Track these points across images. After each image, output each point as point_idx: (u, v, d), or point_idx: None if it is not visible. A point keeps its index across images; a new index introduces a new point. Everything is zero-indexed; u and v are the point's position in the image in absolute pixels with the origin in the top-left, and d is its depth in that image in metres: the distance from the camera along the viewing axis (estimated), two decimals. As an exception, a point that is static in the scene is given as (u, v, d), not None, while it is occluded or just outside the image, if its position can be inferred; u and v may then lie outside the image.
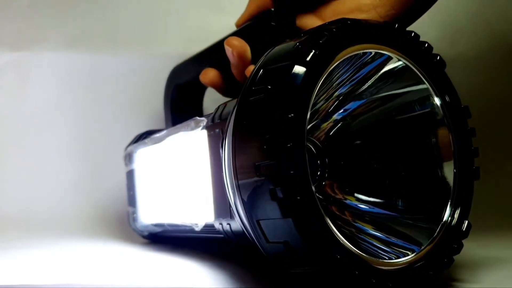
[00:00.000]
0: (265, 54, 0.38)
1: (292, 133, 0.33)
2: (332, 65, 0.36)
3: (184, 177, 0.50)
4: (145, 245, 0.62)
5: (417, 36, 0.41)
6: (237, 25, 0.52)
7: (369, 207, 0.39)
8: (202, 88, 0.65)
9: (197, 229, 0.48)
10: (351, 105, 0.39)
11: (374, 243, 0.37)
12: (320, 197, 0.36)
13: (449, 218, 0.41)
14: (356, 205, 0.38)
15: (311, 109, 0.37)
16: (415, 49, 0.40)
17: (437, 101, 0.42)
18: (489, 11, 0.74)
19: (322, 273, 0.34)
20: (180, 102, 0.66)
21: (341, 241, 0.34)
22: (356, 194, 0.38)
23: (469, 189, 0.42)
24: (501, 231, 0.66)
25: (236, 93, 0.53)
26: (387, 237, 0.38)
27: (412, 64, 0.40)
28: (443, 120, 0.42)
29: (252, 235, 0.36)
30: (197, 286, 0.42)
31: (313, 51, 0.34)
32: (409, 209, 0.40)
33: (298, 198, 0.32)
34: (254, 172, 0.34)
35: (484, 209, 0.65)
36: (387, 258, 0.37)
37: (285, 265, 0.36)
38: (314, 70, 0.34)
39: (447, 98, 0.42)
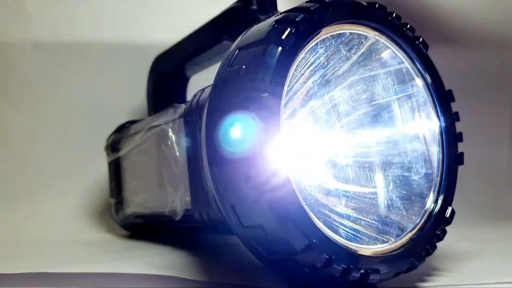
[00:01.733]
0: (242, 35, 0.37)
1: (267, 113, 0.32)
2: (309, 45, 0.35)
3: (162, 166, 0.49)
4: (125, 237, 0.61)
5: (398, 17, 0.40)
6: None
7: (351, 193, 0.37)
8: (185, 77, 0.64)
9: (176, 218, 0.47)
10: (330, 89, 0.37)
11: (356, 228, 0.36)
12: (298, 180, 0.34)
13: (433, 205, 0.40)
14: (338, 190, 0.37)
15: (289, 92, 0.36)
16: (395, 29, 0.39)
17: (419, 82, 0.41)
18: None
19: (298, 259, 0.33)
20: (163, 91, 0.65)
21: (317, 225, 0.33)
22: (338, 179, 0.37)
23: (453, 175, 0.41)
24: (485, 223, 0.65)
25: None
26: (368, 223, 0.37)
27: (391, 45, 0.39)
28: (426, 103, 0.41)
29: (228, 221, 0.35)
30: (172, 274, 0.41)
31: (289, 29, 0.33)
32: (393, 195, 0.39)
33: (271, 180, 0.31)
34: (228, 156, 0.33)
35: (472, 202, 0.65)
36: (367, 244, 0.36)
37: (261, 252, 0.35)
38: (289, 49, 0.33)
39: (428, 79, 0.41)
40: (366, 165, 0.38)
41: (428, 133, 0.41)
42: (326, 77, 0.37)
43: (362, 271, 0.34)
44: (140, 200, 0.55)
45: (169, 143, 0.47)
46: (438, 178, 0.41)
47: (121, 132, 0.60)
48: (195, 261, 0.46)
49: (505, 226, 0.63)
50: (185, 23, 0.60)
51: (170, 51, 0.62)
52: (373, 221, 0.37)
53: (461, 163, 0.42)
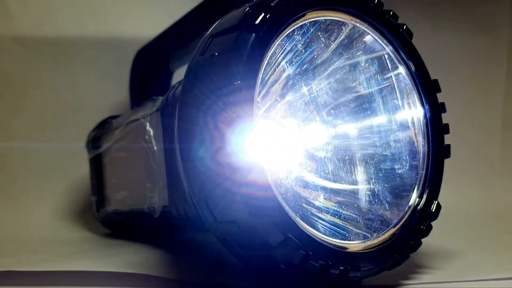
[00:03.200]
0: (216, 22, 0.35)
1: (240, 102, 0.30)
2: (285, 32, 0.33)
3: (140, 161, 0.47)
4: (106, 235, 0.60)
5: (380, 3, 0.38)
6: None
7: (330, 186, 0.36)
8: (169, 71, 0.62)
9: (155, 215, 0.45)
10: (309, 78, 0.36)
11: (335, 223, 0.34)
12: (274, 173, 0.33)
13: (418, 199, 0.38)
14: (316, 184, 0.35)
15: (266, 82, 0.34)
16: (377, 16, 0.38)
17: (402, 71, 0.39)
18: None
19: (274, 255, 0.31)
20: (146, 85, 0.63)
21: (294, 220, 0.31)
22: (317, 173, 0.36)
23: (439, 168, 0.40)
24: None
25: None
26: (349, 217, 0.35)
27: (373, 32, 0.38)
28: (411, 93, 0.40)
29: (202, 217, 0.33)
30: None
31: (263, 14, 0.32)
32: (375, 188, 0.37)
33: (244, 172, 0.30)
34: (200, 146, 0.31)
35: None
36: (348, 239, 0.34)
37: (237, 248, 0.33)
38: (264, 35, 0.32)
39: (412, 68, 0.39)
40: (347, 158, 0.37)
41: (413, 124, 0.40)
42: (305, 66, 0.35)
43: (341, 267, 0.32)
44: (120, 197, 0.53)
45: (147, 137, 0.45)
46: (424, 172, 0.39)
47: (102, 128, 0.59)
48: (172, 259, 0.44)
49: (494, 222, 0.61)
50: (167, 16, 0.58)
51: (151, 45, 0.61)
52: (354, 216, 0.36)
53: (448, 156, 0.40)
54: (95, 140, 0.59)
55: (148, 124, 0.46)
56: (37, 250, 0.52)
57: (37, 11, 0.69)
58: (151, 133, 0.45)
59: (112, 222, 0.58)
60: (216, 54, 0.32)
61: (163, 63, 0.61)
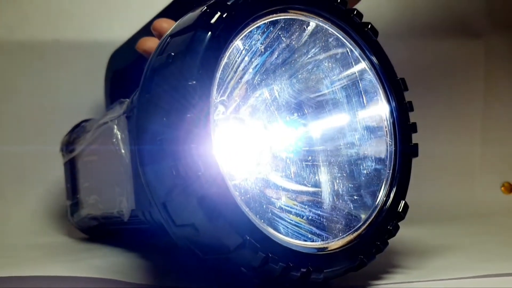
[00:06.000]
0: (176, 23, 0.35)
1: (194, 101, 0.29)
2: (244, 32, 0.33)
3: (110, 165, 0.47)
4: (80, 240, 0.59)
5: (344, 2, 0.38)
6: None
7: (293, 187, 0.35)
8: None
9: (125, 219, 0.45)
10: (269, 79, 0.35)
11: (297, 224, 0.34)
12: (233, 175, 0.32)
13: (384, 199, 0.38)
14: (278, 185, 0.35)
15: (224, 83, 0.34)
16: (341, 15, 0.37)
17: (367, 70, 0.38)
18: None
19: (233, 258, 0.31)
20: (121, 88, 0.62)
21: (253, 221, 0.31)
22: (278, 174, 0.35)
23: (406, 168, 0.39)
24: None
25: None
26: (311, 218, 0.35)
27: (336, 31, 0.37)
28: (375, 92, 0.39)
29: (162, 220, 0.33)
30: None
31: (219, 13, 0.31)
32: (339, 189, 0.37)
33: (200, 173, 0.29)
34: (156, 149, 0.31)
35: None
36: (311, 240, 0.34)
37: (197, 252, 0.32)
38: (220, 34, 0.31)
39: (378, 67, 0.39)
40: (309, 158, 0.36)
41: (379, 123, 0.39)
42: (265, 66, 0.35)
43: (303, 269, 0.32)
44: (92, 201, 0.53)
45: (114, 140, 0.45)
46: (390, 171, 0.38)
47: (75, 131, 0.58)
48: (142, 264, 0.44)
49: (474, 222, 0.61)
50: (142, 19, 0.58)
51: (126, 46, 0.60)
52: (317, 216, 0.35)
53: (416, 155, 0.40)
54: (69, 143, 0.58)
55: (115, 127, 0.45)
56: (8, 255, 0.51)
57: (11, 15, 0.68)
58: (119, 136, 0.45)
59: (86, 226, 0.58)
60: (173, 54, 0.31)
61: (137, 64, 0.61)
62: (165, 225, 0.33)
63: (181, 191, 0.30)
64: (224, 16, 0.31)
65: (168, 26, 0.44)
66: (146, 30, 0.54)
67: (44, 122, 0.68)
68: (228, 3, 0.32)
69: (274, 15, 0.34)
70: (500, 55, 0.69)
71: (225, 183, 0.30)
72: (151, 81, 0.32)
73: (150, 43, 0.49)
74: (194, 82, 0.30)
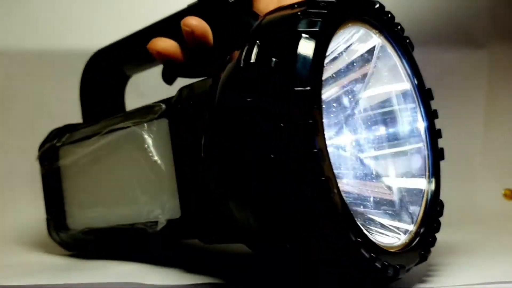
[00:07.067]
0: (255, 27, 0.34)
1: (310, 108, 0.30)
2: (332, 39, 0.34)
3: (131, 173, 0.44)
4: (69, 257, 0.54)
5: (393, 16, 0.40)
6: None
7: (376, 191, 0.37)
8: (124, 75, 0.58)
9: (157, 229, 0.42)
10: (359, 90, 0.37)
11: (383, 224, 0.36)
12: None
13: (430, 196, 0.41)
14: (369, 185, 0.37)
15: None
16: (391, 29, 0.40)
17: (409, 84, 0.42)
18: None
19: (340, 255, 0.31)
20: (101, 91, 0.58)
21: (358, 224, 0.32)
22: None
23: (438, 170, 0.43)
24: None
25: (194, 74, 0.48)
26: (392, 217, 0.37)
27: (388, 45, 0.40)
28: (416, 103, 0.43)
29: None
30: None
31: (321, 20, 0.32)
32: (401, 188, 0.40)
33: (323, 178, 0.29)
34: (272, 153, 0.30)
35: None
36: (395, 238, 0.36)
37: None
38: (322, 41, 0.32)
39: (415, 81, 0.42)
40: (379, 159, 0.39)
41: (418, 131, 0.43)
42: (351, 74, 0.36)
43: (397, 266, 0.33)
44: (95, 214, 0.49)
45: (146, 146, 0.42)
46: (430, 174, 0.42)
47: (59, 139, 0.53)
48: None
49: (476, 228, 0.61)
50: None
51: (106, 50, 0.56)
52: (393, 215, 0.37)
53: (442, 158, 0.44)
54: (51, 152, 0.53)
55: (145, 132, 0.43)
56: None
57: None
58: (150, 142, 0.42)
59: (75, 242, 0.53)
60: (275, 60, 0.31)
61: (118, 67, 0.57)
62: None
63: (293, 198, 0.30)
64: (325, 23, 0.32)
65: (198, 23, 0.43)
66: (147, 34, 0.51)
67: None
68: (324, 12, 0.32)
69: (349, 25, 0.36)
70: (504, 65, 0.72)
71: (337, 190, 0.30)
72: (245, 86, 0.32)
73: (162, 44, 0.47)
74: (309, 88, 0.30)
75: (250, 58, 0.32)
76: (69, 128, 0.54)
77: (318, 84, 0.31)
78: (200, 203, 0.38)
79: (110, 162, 0.47)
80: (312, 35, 0.31)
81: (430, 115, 0.43)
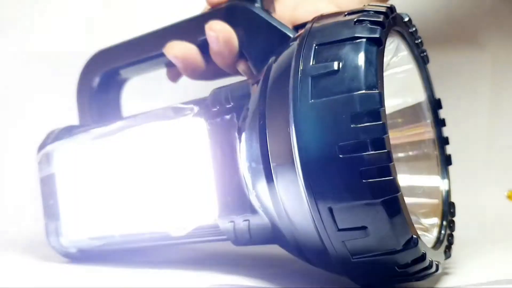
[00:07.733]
0: (307, 31, 0.35)
1: (378, 109, 0.31)
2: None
3: (157, 175, 0.43)
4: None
5: (417, 29, 0.43)
6: (211, 4, 0.47)
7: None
8: (120, 78, 0.57)
9: (182, 233, 0.42)
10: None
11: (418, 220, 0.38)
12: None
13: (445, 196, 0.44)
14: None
15: None
16: (414, 42, 0.43)
17: (424, 95, 0.45)
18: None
19: (389, 257, 0.33)
20: (95, 94, 0.57)
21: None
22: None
23: (447, 175, 0.46)
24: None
25: (212, 76, 0.48)
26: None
27: (412, 57, 0.43)
28: (428, 113, 0.46)
29: (315, 224, 0.33)
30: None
31: (380, 27, 0.33)
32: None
33: (388, 179, 0.31)
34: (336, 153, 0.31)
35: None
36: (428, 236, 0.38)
37: (350, 253, 0.33)
38: (382, 47, 0.33)
39: (428, 92, 0.45)
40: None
41: (428, 135, 0.46)
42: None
43: (436, 263, 0.35)
44: (107, 218, 0.47)
45: (182, 147, 0.42)
46: (442, 176, 0.45)
47: (62, 140, 0.51)
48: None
49: (480, 229, 0.61)
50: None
51: (105, 52, 0.55)
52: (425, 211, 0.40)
53: (450, 163, 0.47)
54: (50, 154, 0.50)
55: (176, 133, 0.42)
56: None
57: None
58: (186, 143, 0.42)
59: (78, 249, 0.50)
60: (339, 63, 0.32)
61: (115, 70, 0.56)
62: (318, 229, 0.33)
63: (361, 194, 0.31)
64: (382, 30, 0.34)
65: (221, 27, 0.44)
66: (161, 37, 0.51)
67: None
68: (381, 20, 0.34)
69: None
70: (507, 67, 0.71)
71: (399, 188, 0.32)
72: (307, 88, 0.33)
73: (178, 47, 0.47)
74: (377, 91, 0.31)
75: (309, 61, 0.34)
76: (69, 130, 0.52)
77: (382, 87, 0.32)
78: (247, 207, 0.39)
79: (129, 165, 0.45)
80: (374, 41, 0.33)
81: (439, 124, 0.46)
